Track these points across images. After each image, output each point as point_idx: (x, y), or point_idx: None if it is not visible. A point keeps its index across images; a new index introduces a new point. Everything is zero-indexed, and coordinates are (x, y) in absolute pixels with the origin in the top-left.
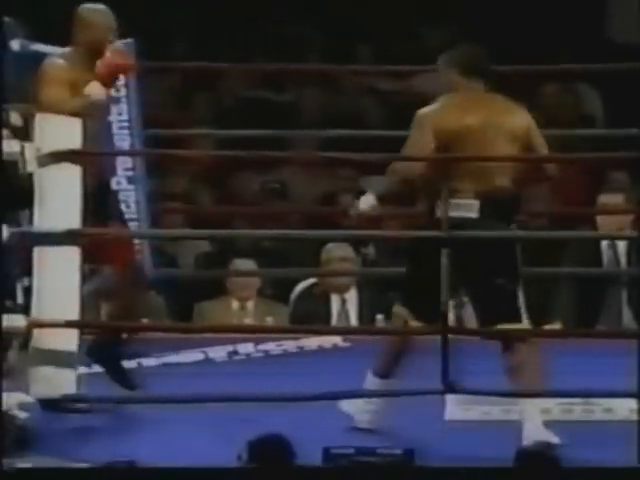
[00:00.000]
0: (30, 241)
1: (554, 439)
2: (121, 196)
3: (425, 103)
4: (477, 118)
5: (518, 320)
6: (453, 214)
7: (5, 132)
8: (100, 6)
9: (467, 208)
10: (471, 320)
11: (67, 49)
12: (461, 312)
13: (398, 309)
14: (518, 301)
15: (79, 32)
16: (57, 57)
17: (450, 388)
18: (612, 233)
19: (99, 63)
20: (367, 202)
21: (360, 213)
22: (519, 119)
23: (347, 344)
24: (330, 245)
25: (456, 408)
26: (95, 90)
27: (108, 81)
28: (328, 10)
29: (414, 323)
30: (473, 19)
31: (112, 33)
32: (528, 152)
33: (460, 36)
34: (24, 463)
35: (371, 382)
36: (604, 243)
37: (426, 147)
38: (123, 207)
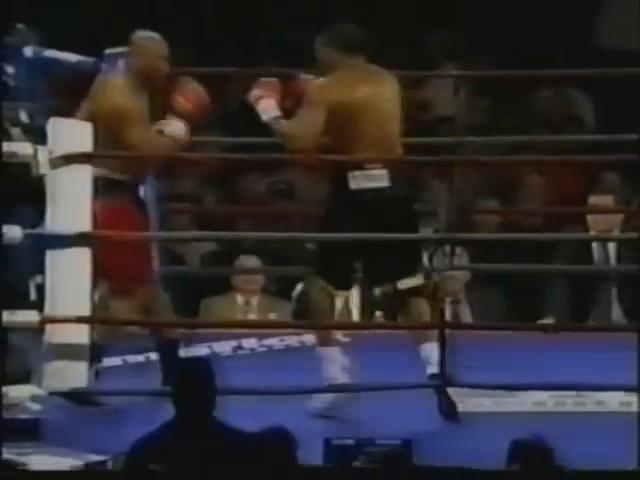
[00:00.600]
0: (43, 243)
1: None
2: None
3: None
4: (365, 91)
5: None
6: (366, 185)
7: (16, 130)
8: (153, 34)
9: (378, 178)
10: (466, 315)
11: (120, 74)
12: (458, 309)
13: (316, 282)
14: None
15: (132, 58)
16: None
17: (447, 381)
18: (593, 234)
19: (181, 99)
20: (269, 111)
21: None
22: (394, 89)
23: (348, 339)
24: None
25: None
26: (178, 129)
27: (194, 120)
28: (329, 15)
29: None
30: (471, 24)
31: (164, 61)
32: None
33: (459, 41)
34: (35, 455)
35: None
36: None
37: (318, 123)
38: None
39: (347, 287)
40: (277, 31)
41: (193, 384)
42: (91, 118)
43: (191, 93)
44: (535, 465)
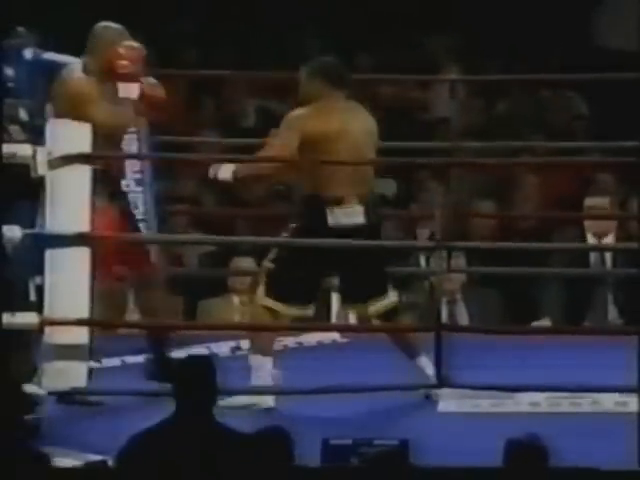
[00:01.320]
0: (42, 243)
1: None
2: (130, 198)
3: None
4: (343, 123)
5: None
6: (344, 221)
7: (15, 128)
8: (111, 24)
9: (354, 214)
10: (463, 315)
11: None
12: (454, 309)
13: (268, 302)
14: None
15: (92, 47)
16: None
17: (443, 382)
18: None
19: (121, 62)
20: (227, 172)
21: (216, 178)
22: (373, 125)
23: (345, 340)
24: None
25: (448, 401)
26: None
27: (144, 112)
28: (330, 18)
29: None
30: (470, 27)
31: (121, 48)
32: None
33: (459, 44)
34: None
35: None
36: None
37: (290, 148)
38: (132, 208)
39: (305, 303)
40: (276, 33)
41: (194, 382)
42: (56, 112)
43: (129, 52)
44: (530, 464)
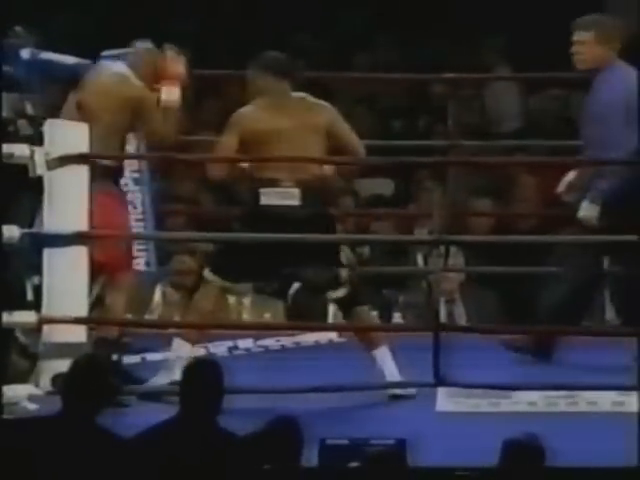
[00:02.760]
0: (40, 242)
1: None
2: (128, 197)
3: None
4: (286, 118)
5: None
6: (277, 202)
7: (23, 122)
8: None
9: (288, 196)
10: (461, 315)
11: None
12: (453, 309)
13: (209, 275)
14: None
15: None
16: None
17: (441, 381)
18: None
19: (170, 64)
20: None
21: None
22: (322, 116)
23: (342, 340)
24: None
25: (446, 400)
26: (173, 94)
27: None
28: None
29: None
30: (471, 24)
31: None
32: (336, 143)
33: (457, 42)
34: None
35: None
36: None
37: (230, 148)
38: (130, 207)
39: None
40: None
41: (199, 385)
42: (91, 106)
43: (176, 59)
44: (528, 464)
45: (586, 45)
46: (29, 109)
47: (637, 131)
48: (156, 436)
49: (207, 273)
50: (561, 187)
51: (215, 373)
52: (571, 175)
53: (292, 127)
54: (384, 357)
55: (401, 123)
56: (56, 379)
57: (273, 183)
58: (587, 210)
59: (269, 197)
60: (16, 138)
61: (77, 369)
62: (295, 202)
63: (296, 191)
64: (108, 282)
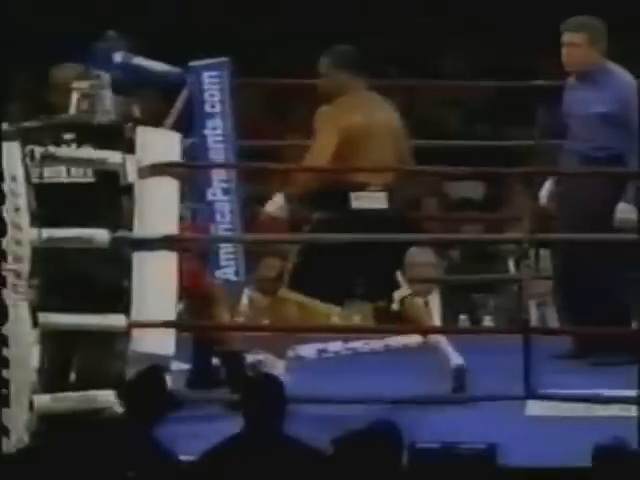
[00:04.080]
0: (130, 246)
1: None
2: (216, 207)
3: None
4: (373, 117)
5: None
6: (366, 205)
7: (130, 125)
8: None
9: (377, 200)
10: (553, 318)
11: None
12: (544, 310)
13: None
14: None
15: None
16: None
17: (532, 393)
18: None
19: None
20: (274, 205)
21: (267, 215)
22: (397, 118)
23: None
24: (413, 250)
25: (537, 405)
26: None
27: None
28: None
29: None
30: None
31: None
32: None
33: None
34: None
35: None
36: None
37: (330, 150)
38: (218, 217)
39: (339, 302)
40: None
41: (261, 401)
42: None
43: None
44: (617, 469)
45: (578, 47)
46: (136, 112)
47: (628, 133)
48: (223, 455)
49: (286, 292)
50: (542, 196)
51: (277, 388)
52: (551, 182)
53: (380, 126)
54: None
55: (487, 126)
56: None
57: (362, 187)
58: (624, 213)
59: (359, 201)
60: (120, 142)
61: (138, 380)
62: (383, 205)
63: (383, 194)
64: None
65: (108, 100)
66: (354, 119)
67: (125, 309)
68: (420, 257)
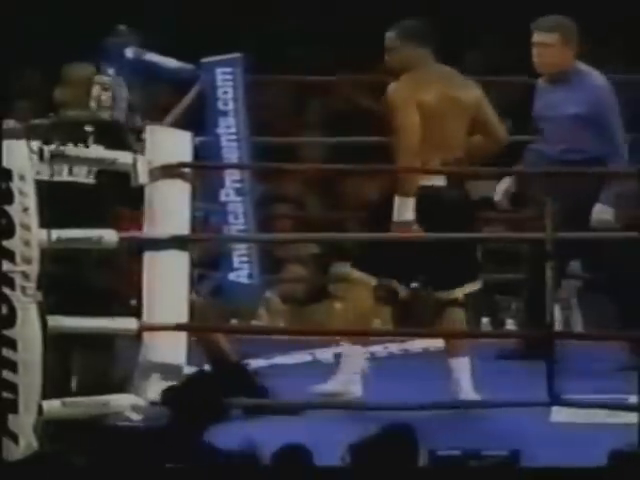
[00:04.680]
0: (139, 247)
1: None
2: (230, 207)
3: None
4: (446, 91)
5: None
6: (425, 183)
7: (132, 137)
8: None
9: (435, 177)
10: (578, 322)
11: None
12: (569, 314)
13: (354, 273)
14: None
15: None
16: None
17: (556, 399)
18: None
19: None
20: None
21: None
22: (471, 93)
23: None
24: None
25: (561, 410)
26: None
27: None
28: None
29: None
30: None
31: None
32: (480, 123)
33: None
34: None
35: None
36: None
37: (417, 130)
38: (231, 218)
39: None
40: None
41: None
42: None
43: None
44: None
45: (552, 48)
46: (139, 123)
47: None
48: None
49: (353, 272)
50: (497, 195)
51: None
52: (507, 182)
53: (453, 100)
54: (463, 368)
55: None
56: (167, 392)
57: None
58: (600, 214)
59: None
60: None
61: (187, 384)
62: (441, 182)
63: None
64: None
65: (125, 97)
66: (428, 94)
67: (123, 312)
68: None
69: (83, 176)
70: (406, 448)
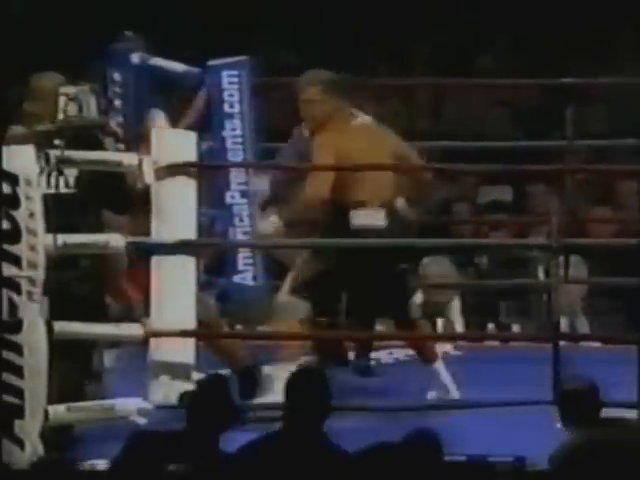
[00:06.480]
0: (146, 251)
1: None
2: (235, 210)
3: None
4: (368, 142)
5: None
6: (363, 222)
7: (109, 139)
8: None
9: (375, 217)
10: (584, 329)
11: None
12: (574, 322)
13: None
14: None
15: None
16: None
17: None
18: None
19: None
20: (268, 227)
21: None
22: (391, 140)
23: (458, 352)
24: (426, 261)
25: None
26: None
27: None
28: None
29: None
30: None
31: None
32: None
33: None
34: None
35: None
36: None
37: (330, 178)
38: (237, 220)
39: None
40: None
41: (304, 397)
42: None
43: None
44: None
45: (313, 102)
46: (113, 126)
47: None
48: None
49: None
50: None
51: (320, 384)
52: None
53: (374, 150)
54: (444, 372)
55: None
56: (184, 396)
57: (361, 205)
58: (362, 219)
59: (359, 218)
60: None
61: (202, 388)
62: (381, 223)
63: (382, 212)
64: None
65: (93, 106)
66: (350, 145)
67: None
68: (434, 268)
69: (62, 186)
70: (430, 454)
